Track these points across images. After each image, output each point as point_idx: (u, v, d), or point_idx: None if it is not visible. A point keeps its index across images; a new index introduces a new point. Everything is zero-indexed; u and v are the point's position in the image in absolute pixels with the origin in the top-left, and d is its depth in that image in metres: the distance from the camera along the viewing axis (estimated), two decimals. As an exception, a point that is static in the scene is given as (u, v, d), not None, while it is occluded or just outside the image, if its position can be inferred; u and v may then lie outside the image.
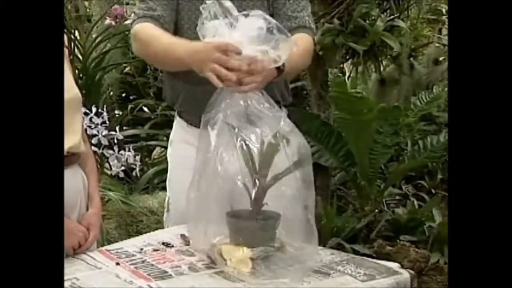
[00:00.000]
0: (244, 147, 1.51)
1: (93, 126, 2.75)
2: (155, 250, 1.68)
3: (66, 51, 1.83)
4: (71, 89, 1.76)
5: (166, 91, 2.11)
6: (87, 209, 1.79)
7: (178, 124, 2.08)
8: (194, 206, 1.59)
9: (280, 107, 1.84)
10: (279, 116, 1.57)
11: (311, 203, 1.57)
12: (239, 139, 1.51)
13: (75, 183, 1.76)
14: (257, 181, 1.52)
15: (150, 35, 1.87)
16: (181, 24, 1.93)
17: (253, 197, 1.53)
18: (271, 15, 1.89)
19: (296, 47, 1.62)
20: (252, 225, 1.52)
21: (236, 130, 1.52)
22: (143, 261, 1.59)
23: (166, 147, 3.86)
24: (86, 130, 2.42)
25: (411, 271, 1.59)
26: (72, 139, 1.72)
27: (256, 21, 1.56)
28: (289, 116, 1.67)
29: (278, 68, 1.65)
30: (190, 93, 1.93)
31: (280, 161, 1.53)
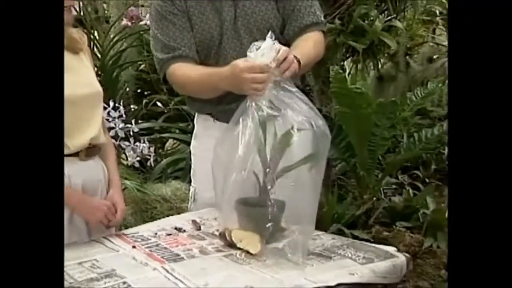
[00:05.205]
0: (261, 138, 1.51)
1: (110, 119, 2.75)
2: (168, 234, 1.68)
3: (88, 49, 1.84)
4: (93, 85, 1.76)
5: (192, 102, 2.05)
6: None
7: (202, 118, 2.02)
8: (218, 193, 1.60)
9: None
10: (301, 106, 1.56)
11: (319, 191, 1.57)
12: (254, 132, 1.51)
13: (96, 173, 1.77)
14: (267, 171, 1.52)
15: (182, 76, 1.88)
16: (196, 35, 1.90)
17: (262, 186, 1.53)
18: (278, 11, 1.89)
19: (307, 42, 1.83)
20: (260, 212, 1.52)
21: (257, 121, 1.51)
22: (157, 245, 1.60)
23: (179, 139, 3.89)
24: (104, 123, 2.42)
25: (407, 255, 1.58)
26: (93, 131, 1.72)
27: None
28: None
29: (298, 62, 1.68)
30: (222, 102, 1.91)
31: (293, 152, 1.52)
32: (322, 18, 1.96)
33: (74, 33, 1.75)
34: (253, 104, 1.55)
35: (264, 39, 1.60)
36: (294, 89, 1.58)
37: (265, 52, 1.57)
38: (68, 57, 1.71)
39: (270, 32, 1.60)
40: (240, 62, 1.63)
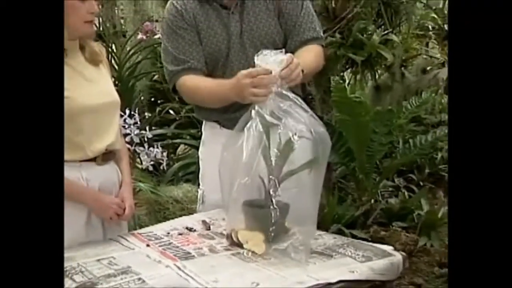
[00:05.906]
0: (265, 145, 1.51)
1: (126, 126, 2.76)
2: (180, 234, 1.68)
3: (107, 61, 1.85)
4: (111, 94, 1.77)
5: (200, 111, 2.03)
6: None
7: (209, 126, 2.01)
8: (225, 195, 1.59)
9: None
10: (302, 114, 1.54)
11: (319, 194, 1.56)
12: (258, 139, 1.51)
13: (112, 176, 1.77)
14: (272, 175, 1.52)
15: (192, 87, 1.88)
16: (204, 48, 1.90)
17: (267, 189, 1.52)
18: (280, 27, 1.89)
19: (308, 53, 1.84)
20: (265, 213, 1.52)
21: (261, 129, 1.51)
22: (169, 243, 1.59)
23: (189, 145, 3.89)
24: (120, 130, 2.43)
25: (403, 253, 1.57)
26: (110, 138, 1.72)
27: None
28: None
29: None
30: (227, 111, 1.90)
31: (295, 158, 1.52)
32: (322, 34, 1.96)
33: (95, 46, 1.77)
34: (257, 112, 1.54)
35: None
36: (295, 98, 1.57)
37: (271, 61, 1.57)
38: (90, 69, 1.72)
39: (284, 50, 1.61)
40: (243, 71, 1.63)
